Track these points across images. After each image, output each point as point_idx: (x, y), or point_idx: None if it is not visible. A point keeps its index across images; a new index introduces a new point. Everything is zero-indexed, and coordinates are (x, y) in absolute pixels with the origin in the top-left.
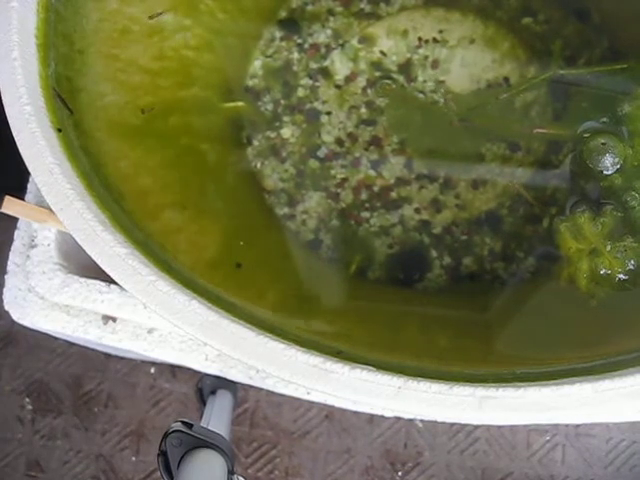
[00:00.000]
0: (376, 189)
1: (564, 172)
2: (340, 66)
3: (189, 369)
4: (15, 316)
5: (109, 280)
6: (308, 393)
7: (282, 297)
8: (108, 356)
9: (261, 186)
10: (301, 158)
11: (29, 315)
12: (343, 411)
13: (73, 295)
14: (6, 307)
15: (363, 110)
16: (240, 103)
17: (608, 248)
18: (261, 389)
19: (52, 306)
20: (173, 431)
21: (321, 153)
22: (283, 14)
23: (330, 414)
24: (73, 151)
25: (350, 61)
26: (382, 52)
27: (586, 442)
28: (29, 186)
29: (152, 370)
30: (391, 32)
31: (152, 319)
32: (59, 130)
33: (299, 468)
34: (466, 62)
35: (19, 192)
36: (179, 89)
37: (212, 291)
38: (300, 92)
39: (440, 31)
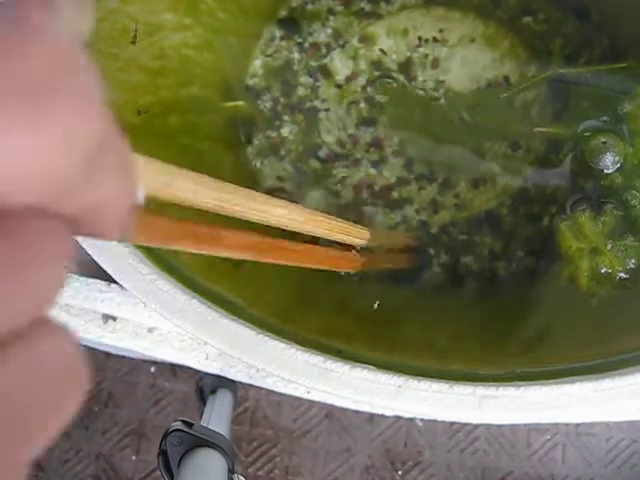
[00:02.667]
0: (377, 188)
1: (564, 171)
2: (340, 65)
3: (189, 368)
4: None
5: (109, 279)
6: (308, 392)
7: (282, 296)
8: (108, 355)
9: (261, 185)
10: (301, 157)
11: None
12: (343, 410)
13: (73, 294)
14: None
15: (363, 109)
16: (240, 102)
17: (609, 247)
18: (261, 388)
19: (52, 306)
20: (173, 430)
21: (321, 152)
22: (283, 13)
23: (330, 413)
24: None
25: (350, 60)
26: (382, 51)
27: (586, 441)
28: None
29: (152, 369)
30: (391, 31)
31: (152, 318)
32: None
33: (299, 467)
34: (466, 61)
35: None
36: (179, 88)
37: (212, 290)
38: (300, 91)
39: (440, 30)
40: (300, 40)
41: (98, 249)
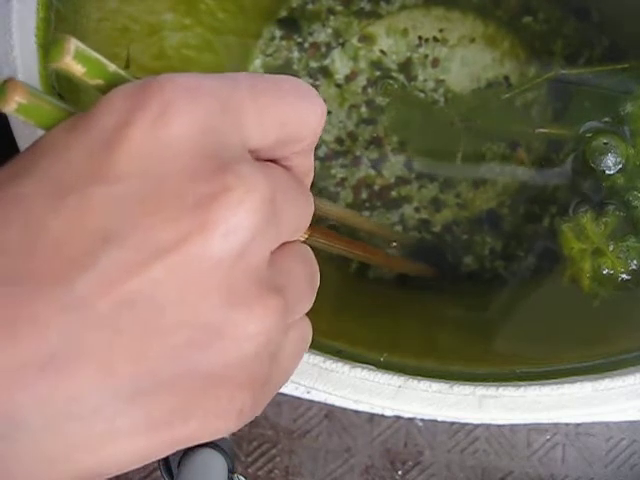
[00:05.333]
0: (376, 188)
1: (566, 172)
2: (340, 65)
3: None
4: None
5: None
6: (308, 392)
7: None
8: None
9: None
10: None
11: None
12: (343, 410)
13: None
14: None
15: (363, 109)
16: None
17: (611, 248)
18: None
19: None
20: None
21: (321, 152)
22: (283, 13)
23: (330, 413)
24: None
25: (350, 60)
26: (382, 51)
27: (586, 441)
28: None
29: None
30: (391, 31)
31: None
32: None
33: (299, 467)
34: (466, 61)
35: None
36: None
37: None
38: None
39: (440, 30)
40: (300, 40)
41: None
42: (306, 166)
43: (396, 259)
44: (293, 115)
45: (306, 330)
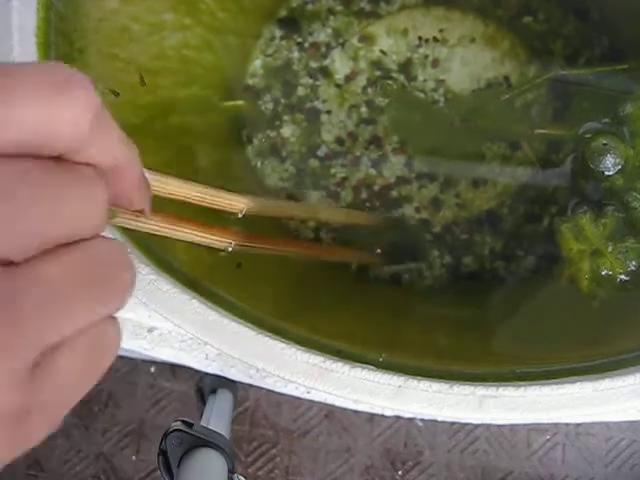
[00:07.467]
0: (376, 188)
1: (565, 172)
2: (340, 65)
3: (189, 368)
4: None
5: None
6: (308, 392)
7: (282, 296)
8: None
9: (262, 185)
10: (301, 157)
11: None
12: (343, 410)
13: None
14: None
15: (363, 109)
16: (240, 102)
17: (610, 249)
18: (261, 388)
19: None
20: (173, 430)
21: (321, 152)
22: (283, 13)
23: (330, 413)
24: None
25: (350, 60)
26: (382, 51)
27: (586, 441)
28: None
29: (152, 369)
30: (391, 31)
31: (152, 318)
32: None
33: (299, 467)
34: (466, 61)
35: None
36: (179, 88)
37: (212, 290)
38: (300, 91)
39: (440, 30)
40: (300, 40)
41: None
42: (101, 160)
43: (334, 249)
44: (34, 114)
45: (105, 340)
